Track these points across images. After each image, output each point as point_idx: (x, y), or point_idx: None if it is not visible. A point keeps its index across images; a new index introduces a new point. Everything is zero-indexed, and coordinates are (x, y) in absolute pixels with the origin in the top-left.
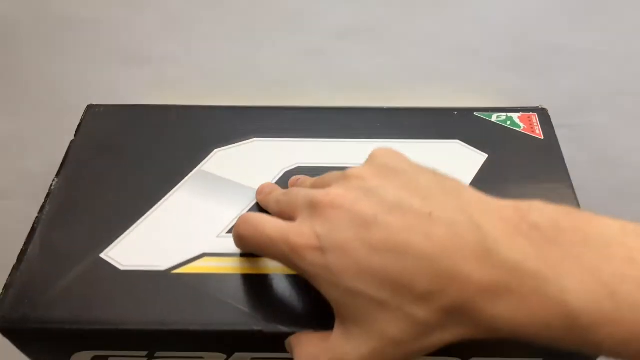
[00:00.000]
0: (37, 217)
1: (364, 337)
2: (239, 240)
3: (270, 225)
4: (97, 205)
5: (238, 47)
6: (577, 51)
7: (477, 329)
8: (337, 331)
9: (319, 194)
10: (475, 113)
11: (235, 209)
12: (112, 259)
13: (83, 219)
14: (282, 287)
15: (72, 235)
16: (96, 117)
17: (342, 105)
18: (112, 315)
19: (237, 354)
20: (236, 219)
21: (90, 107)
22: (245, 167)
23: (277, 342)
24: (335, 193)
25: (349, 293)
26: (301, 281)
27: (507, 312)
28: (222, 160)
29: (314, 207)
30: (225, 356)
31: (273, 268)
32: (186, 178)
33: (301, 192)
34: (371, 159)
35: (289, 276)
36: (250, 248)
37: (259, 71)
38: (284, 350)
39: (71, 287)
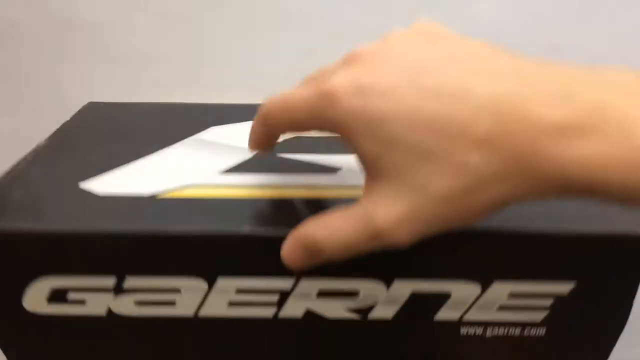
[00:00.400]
0: (13, 165)
1: (401, 194)
2: (264, 118)
3: (298, 89)
4: (81, 156)
5: (238, 47)
6: (577, 51)
7: (544, 180)
8: (366, 194)
9: (356, 49)
10: None
11: (230, 159)
12: (91, 188)
13: (65, 163)
14: (279, 208)
15: (50, 173)
16: (94, 109)
17: None
18: (81, 226)
19: (220, 281)
20: (231, 166)
21: (90, 104)
22: (243, 136)
23: (270, 253)
24: (377, 44)
25: (388, 142)
26: (301, 204)
27: (586, 155)
28: (218, 132)
29: (351, 59)
30: (206, 285)
31: (267, 193)
32: (180, 141)
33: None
34: (413, 26)
35: (286, 200)
36: (276, 120)
37: (258, 71)
38: (276, 272)
39: (40, 206)
